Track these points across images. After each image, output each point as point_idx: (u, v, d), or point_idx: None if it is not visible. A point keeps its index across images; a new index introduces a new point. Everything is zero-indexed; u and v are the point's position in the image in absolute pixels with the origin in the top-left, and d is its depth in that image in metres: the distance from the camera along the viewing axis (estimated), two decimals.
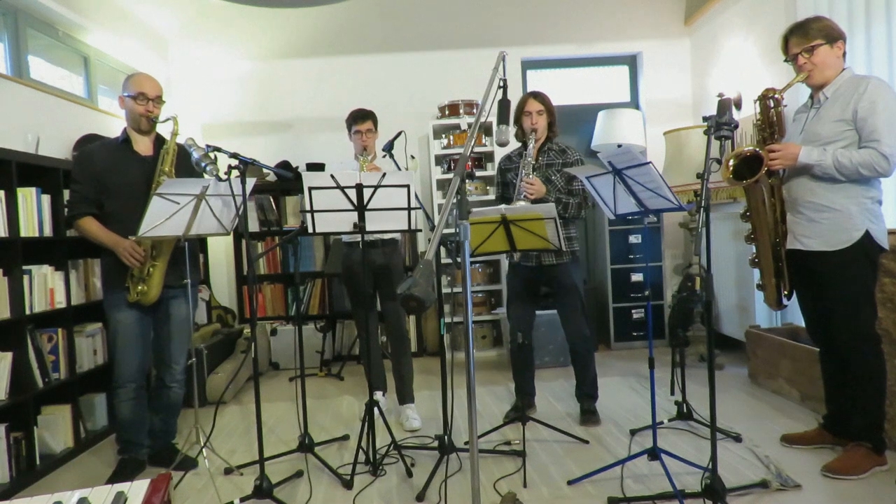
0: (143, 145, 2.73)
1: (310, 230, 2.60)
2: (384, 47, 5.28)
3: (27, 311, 2.79)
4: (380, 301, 3.46)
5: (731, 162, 2.45)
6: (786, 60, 2.52)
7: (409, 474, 2.61)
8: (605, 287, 4.93)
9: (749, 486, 2.32)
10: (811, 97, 2.54)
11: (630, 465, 2.53)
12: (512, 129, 3.21)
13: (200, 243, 4.78)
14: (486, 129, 5.05)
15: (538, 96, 3.13)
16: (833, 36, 2.40)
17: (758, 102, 2.54)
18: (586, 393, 3.23)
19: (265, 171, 2.93)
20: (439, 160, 5.03)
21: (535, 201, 2.94)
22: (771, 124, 2.52)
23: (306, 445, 2.83)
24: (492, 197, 5.02)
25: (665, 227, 5.02)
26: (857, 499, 2.23)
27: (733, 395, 3.55)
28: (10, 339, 2.71)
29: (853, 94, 2.34)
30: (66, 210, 2.71)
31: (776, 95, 2.51)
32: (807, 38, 2.41)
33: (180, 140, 2.68)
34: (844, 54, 2.45)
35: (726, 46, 4.73)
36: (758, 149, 2.42)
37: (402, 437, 3.02)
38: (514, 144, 3.25)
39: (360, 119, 3.35)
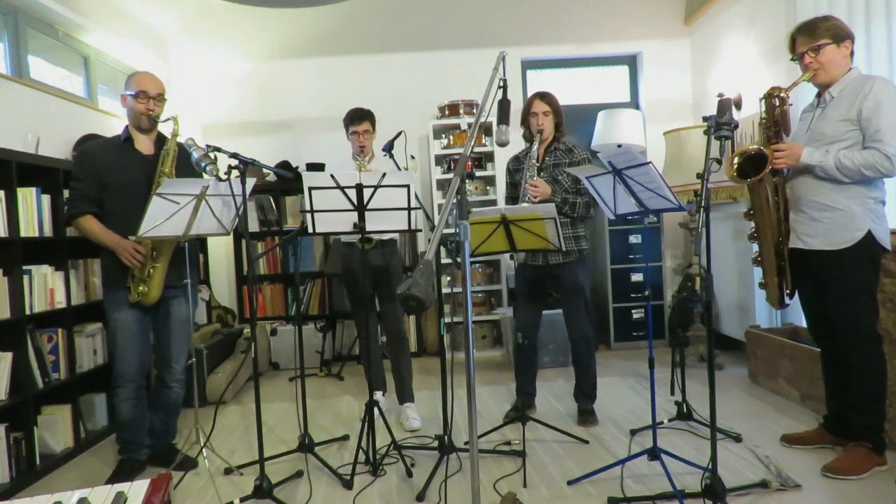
0: (144, 144, 2.72)
1: (310, 230, 2.60)
2: (384, 47, 5.28)
3: (27, 311, 2.78)
4: (378, 302, 3.46)
5: (736, 160, 2.45)
6: (792, 59, 2.51)
7: (409, 474, 2.61)
8: (605, 287, 4.92)
9: (749, 486, 2.32)
10: (818, 96, 2.54)
11: (630, 465, 2.53)
12: (519, 130, 3.22)
13: (200, 243, 4.77)
14: (486, 129, 5.05)
15: (545, 97, 3.12)
16: (840, 35, 2.40)
17: (763, 101, 2.53)
18: (584, 393, 3.23)
19: (265, 171, 2.93)
20: (439, 160, 5.03)
21: (540, 202, 2.94)
22: (776, 123, 2.51)
23: (306, 445, 2.83)
24: (492, 197, 5.04)
25: (665, 227, 5.02)
26: (857, 499, 2.23)
27: (733, 395, 3.55)
28: (10, 339, 2.71)
29: (858, 94, 2.34)
30: (65, 208, 2.71)
31: (782, 94, 2.50)
32: (813, 38, 2.40)
33: (180, 140, 2.68)
34: (852, 54, 2.44)
35: (726, 46, 4.73)
36: (762, 147, 2.42)
37: (402, 437, 3.02)
38: (521, 144, 3.26)
39: (358, 119, 3.30)
